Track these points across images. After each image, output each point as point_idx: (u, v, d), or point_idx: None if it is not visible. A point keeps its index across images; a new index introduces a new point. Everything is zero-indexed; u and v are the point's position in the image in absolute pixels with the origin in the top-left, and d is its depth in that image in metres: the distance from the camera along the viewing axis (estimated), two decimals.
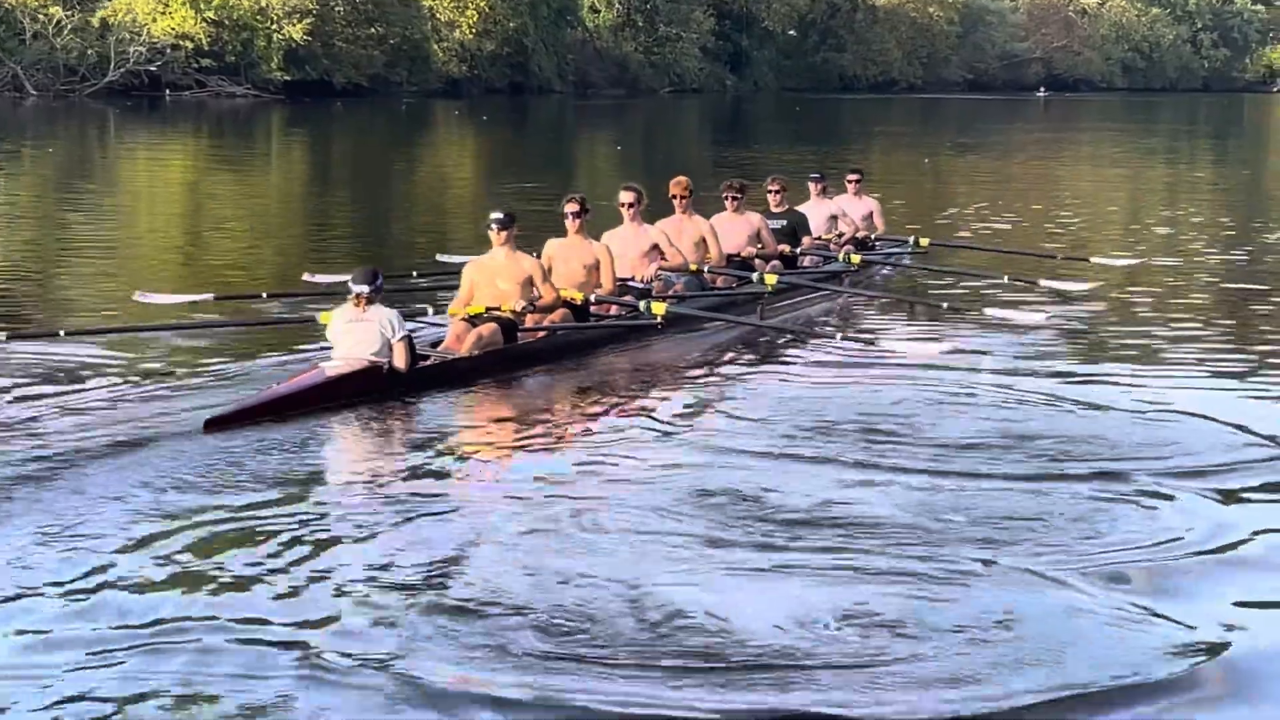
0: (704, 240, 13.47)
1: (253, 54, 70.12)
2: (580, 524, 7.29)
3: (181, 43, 67.54)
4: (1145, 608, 6.32)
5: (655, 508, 7.50)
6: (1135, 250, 18.57)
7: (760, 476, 8.12)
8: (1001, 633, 6.01)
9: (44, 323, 13.06)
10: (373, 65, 75.36)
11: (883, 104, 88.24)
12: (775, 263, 14.30)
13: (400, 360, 10.07)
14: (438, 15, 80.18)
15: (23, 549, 6.80)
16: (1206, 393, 10.66)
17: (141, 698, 5.36)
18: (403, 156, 40.02)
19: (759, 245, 14.33)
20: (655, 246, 12.88)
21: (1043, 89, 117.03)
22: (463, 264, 11.95)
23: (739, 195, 14.43)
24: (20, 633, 5.91)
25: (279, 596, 6.31)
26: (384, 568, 6.63)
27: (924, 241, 16.95)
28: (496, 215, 11.28)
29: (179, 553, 6.79)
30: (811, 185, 16.50)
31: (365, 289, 10.10)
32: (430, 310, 12.30)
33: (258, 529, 7.17)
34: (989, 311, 13.24)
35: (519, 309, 11.18)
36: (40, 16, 64.64)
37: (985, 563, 6.78)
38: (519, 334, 11.22)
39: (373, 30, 74.96)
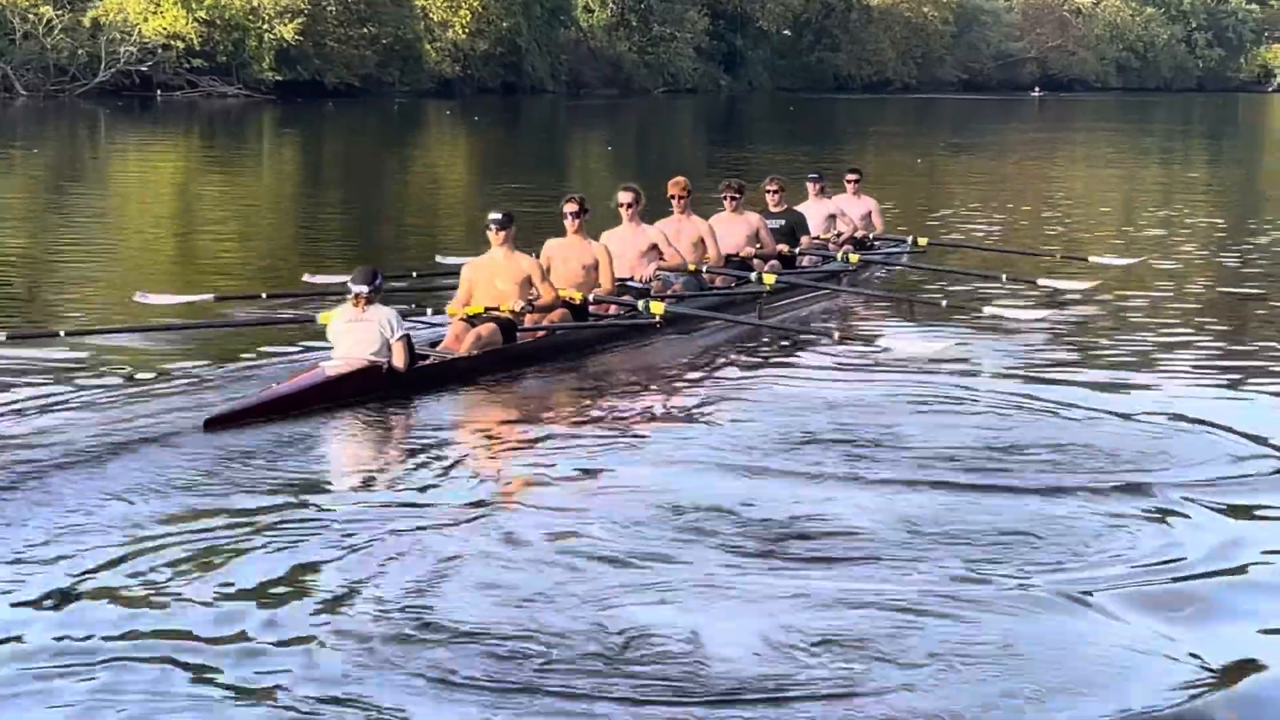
0: (702, 240, 13.46)
1: (244, 54, 70.07)
2: (565, 537, 7.07)
3: (173, 43, 67.51)
4: (1149, 632, 6.05)
5: (643, 521, 7.30)
6: (1132, 250, 18.55)
7: (754, 487, 7.96)
8: (994, 660, 5.74)
9: (44, 323, 13.03)
10: (365, 65, 75.30)
11: (877, 104, 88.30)
12: (774, 262, 14.29)
13: (399, 360, 10.07)
14: (430, 15, 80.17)
15: (23, 549, 6.79)
16: (1208, 396, 10.56)
17: (137, 697, 5.36)
18: (395, 157, 40.01)
19: (757, 245, 14.33)
20: (654, 246, 12.88)
21: (1037, 89, 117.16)
22: (462, 264, 11.95)
23: (738, 195, 14.42)
24: (19, 632, 5.89)
25: (273, 598, 6.28)
26: (366, 580, 6.46)
27: (922, 241, 16.96)
28: (495, 215, 11.28)
29: (178, 552, 6.77)
30: (810, 185, 16.49)
31: (365, 289, 10.10)
32: (429, 310, 12.29)
33: (256, 529, 7.16)
34: (988, 311, 13.24)
35: (518, 309, 11.17)
36: (30, 16, 64.56)
37: (977, 583, 6.52)
38: (518, 334, 11.22)
39: (365, 30, 74.94)
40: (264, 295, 13.09)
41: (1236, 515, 7.67)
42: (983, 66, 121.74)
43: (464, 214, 24.91)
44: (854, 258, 15.28)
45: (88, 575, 6.47)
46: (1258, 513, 7.75)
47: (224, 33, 69.18)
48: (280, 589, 6.38)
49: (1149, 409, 9.89)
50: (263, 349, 11.41)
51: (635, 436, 9.28)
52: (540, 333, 11.43)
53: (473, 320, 11.05)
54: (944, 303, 13.76)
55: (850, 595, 6.33)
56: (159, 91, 67.58)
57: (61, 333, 11.28)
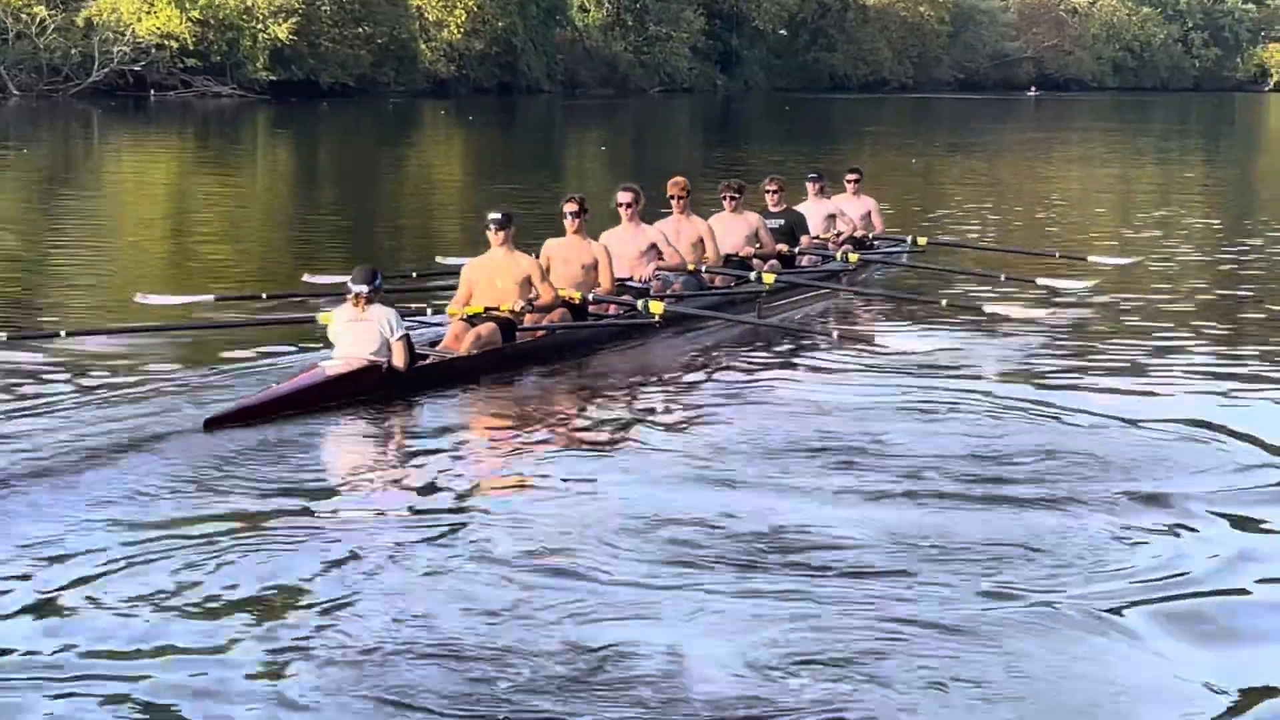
0: (702, 240, 13.44)
1: (238, 54, 70.01)
2: (552, 550, 6.89)
3: (166, 42, 67.44)
4: (1152, 652, 5.88)
5: (632, 532, 7.13)
6: (1130, 250, 18.55)
7: (750, 497, 7.80)
8: (989, 683, 5.51)
9: (44, 324, 13.00)
10: (359, 65, 75.25)
11: (873, 104, 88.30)
12: (773, 262, 14.27)
13: (399, 359, 10.06)
14: (425, 15, 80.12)
15: (22, 549, 6.78)
16: (1209, 397, 10.47)
17: (130, 694, 5.37)
18: (389, 157, 39.96)
19: (757, 245, 14.31)
20: (653, 246, 12.87)
21: (1034, 88, 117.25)
22: (462, 265, 11.94)
23: (737, 195, 14.41)
24: (18, 633, 5.89)
25: (269, 600, 6.28)
26: (349, 591, 6.36)
27: (922, 240, 16.94)
28: (495, 215, 11.27)
29: (178, 553, 6.76)
30: (809, 185, 16.47)
31: (365, 289, 10.09)
32: (429, 310, 12.29)
33: (256, 529, 7.15)
34: (987, 310, 13.22)
35: (517, 308, 11.16)
36: (24, 16, 64.49)
37: (971, 600, 6.30)
38: (517, 333, 11.21)
39: (359, 30, 74.87)
40: (264, 296, 13.08)
41: (1243, 527, 7.47)
42: (979, 66, 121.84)
43: (458, 214, 24.91)
44: (853, 257, 15.27)
45: (87, 576, 6.45)
46: (1264, 525, 7.54)
47: (218, 32, 69.12)
48: (267, 594, 6.34)
49: (1149, 412, 9.80)
50: (263, 349, 11.39)
51: (633, 440, 9.22)
52: (540, 332, 11.42)
53: (472, 320, 11.04)
54: (944, 302, 13.75)
55: (838, 612, 6.13)
56: (153, 91, 67.54)
57: (62, 333, 11.27)
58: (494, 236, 11.24)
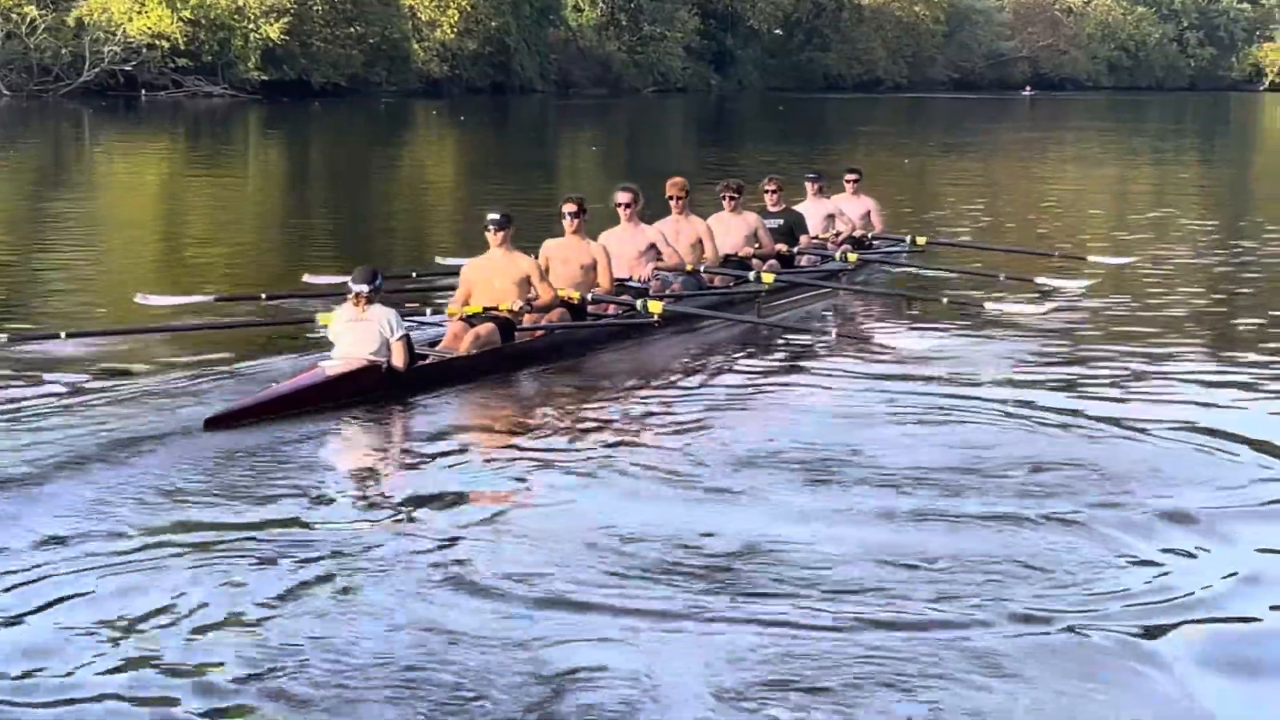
0: (701, 240, 13.44)
1: (230, 53, 70.07)
2: (542, 565, 6.74)
3: (157, 42, 67.53)
4: (1154, 675, 5.67)
5: (625, 540, 7.02)
6: (1128, 249, 18.55)
7: (742, 501, 7.74)
8: (975, 712, 5.31)
9: (44, 324, 12.98)
10: (351, 65, 75.31)
11: (868, 103, 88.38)
12: (772, 262, 14.26)
13: (399, 359, 10.05)
14: (418, 14, 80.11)
15: (22, 549, 6.79)
16: (1209, 399, 10.41)
17: (126, 694, 5.39)
18: (380, 157, 39.94)
19: (756, 245, 14.31)
20: (652, 246, 12.87)
21: (1029, 88, 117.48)
22: (461, 265, 11.95)
23: (736, 195, 14.42)
24: (19, 633, 5.91)
25: (268, 601, 6.26)
26: (349, 593, 6.36)
27: (921, 240, 16.94)
28: (493, 216, 11.28)
29: (177, 552, 6.77)
30: (809, 185, 16.47)
31: (365, 289, 10.10)
32: (429, 310, 12.31)
33: (256, 530, 7.15)
34: (987, 309, 13.23)
35: (516, 308, 11.17)
36: (14, 16, 64.47)
37: (961, 619, 6.11)
38: (516, 333, 11.22)
39: (351, 29, 74.95)
40: (264, 296, 13.10)
41: (1247, 541, 7.26)
42: (974, 66, 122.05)
43: (450, 215, 24.91)
44: (852, 257, 15.26)
45: (87, 575, 6.45)
46: (1269, 540, 7.31)
47: (209, 32, 69.16)
48: (267, 595, 6.31)
49: (1151, 415, 9.68)
50: (262, 349, 11.38)
51: (632, 442, 9.16)
52: (539, 332, 11.42)
53: (472, 320, 11.05)
54: (944, 301, 13.75)
55: (814, 632, 5.95)
56: (144, 91, 67.57)
57: (62, 334, 11.25)
58: (493, 237, 11.25)
